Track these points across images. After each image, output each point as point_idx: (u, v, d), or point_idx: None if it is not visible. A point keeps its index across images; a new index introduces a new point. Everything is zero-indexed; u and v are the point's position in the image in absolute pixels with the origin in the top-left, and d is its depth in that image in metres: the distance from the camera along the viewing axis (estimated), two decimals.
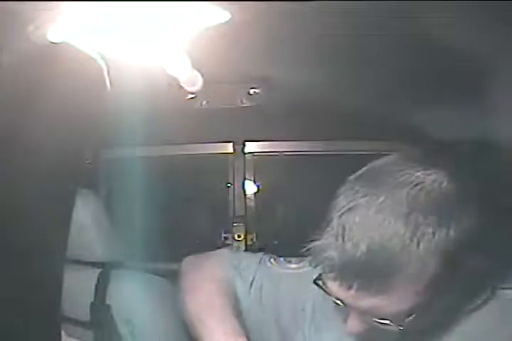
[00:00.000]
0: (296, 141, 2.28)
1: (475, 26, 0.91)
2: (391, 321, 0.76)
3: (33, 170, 0.93)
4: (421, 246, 0.70)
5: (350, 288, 0.74)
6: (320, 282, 0.82)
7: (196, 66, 0.90)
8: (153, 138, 1.98)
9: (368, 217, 0.73)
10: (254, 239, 2.35)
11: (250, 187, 2.37)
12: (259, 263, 1.05)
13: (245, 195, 2.35)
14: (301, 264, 1.03)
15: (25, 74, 0.82)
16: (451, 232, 0.72)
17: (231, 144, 2.29)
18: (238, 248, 2.28)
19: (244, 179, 2.33)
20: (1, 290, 0.89)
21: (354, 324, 0.81)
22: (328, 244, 0.75)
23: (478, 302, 0.82)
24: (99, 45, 0.84)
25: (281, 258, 1.07)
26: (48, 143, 0.96)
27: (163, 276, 1.83)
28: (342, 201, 0.76)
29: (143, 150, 2.17)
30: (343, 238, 0.73)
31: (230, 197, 2.36)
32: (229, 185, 2.36)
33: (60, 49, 0.80)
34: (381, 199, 0.73)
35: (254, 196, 2.39)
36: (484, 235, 0.76)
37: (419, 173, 0.75)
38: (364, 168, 0.81)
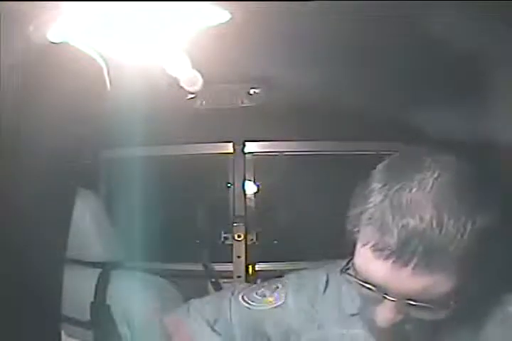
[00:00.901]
0: (296, 141, 2.28)
1: (475, 26, 0.91)
2: (437, 304, 0.77)
3: (33, 169, 0.93)
4: (475, 222, 0.74)
5: (406, 265, 0.74)
6: (350, 271, 0.83)
7: (196, 66, 0.90)
8: (153, 138, 1.98)
9: (426, 192, 0.75)
10: (254, 239, 2.35)
11: (250, 187, 2.37)
12: (230, 304, 1.02)
13: (245, 195, 2.35)
14: (277, 294, 1.01)
15: (25, 74, 0.82)
16: (496, 215, 0.76)
17: (231, 144, 2.29)
18: (238, 247, 2.28)
19: (244, 179, 2.33)
20: (1, 290, 0.89)
21: (387, 315, 0.80)
22: (382, 222, 0.76)
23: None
24: (99, 45, 0.84)
25: (254, 294, 1.03)
26: (48, 143, 0.96)
27: (163, 276, 1.84)
28: (385, 182, 0.78)
29: (143, 150, 2.17)
30: (403, 214, 0.74)
31: (230, 197, 2.36)
32: (229, 185, 2.36)
33: (60, 49, 0.80)
34: (436, 175, 0.76)
35: (254, 196, 2.38)
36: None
37: (454, 159, 0.80)
38: (390, 158, 0.84)
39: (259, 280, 2.34)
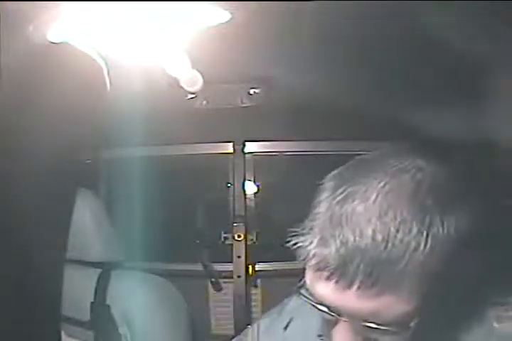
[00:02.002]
0: (296, 141, 2.28)
1: (475, 26, 0.91)
2: (394, 326, 0.68)
3: (34, 170, 0.93)
4: (430, 236, 0.65)
5: (350, 286, 0.66)
6: (302, 290, 0.75)
7: (196, 66, 0.90)
8: (153, 138, 1.98)
9: (370, 203, 0.66)
10: (254, 239, 2.35)
11: (250, 187, 2.37)
12: None
13: (245, 195, 2.35)
14: None
15: (25, 74, 0.82)
16: (459, 222, 0.67)
17: (231, 144, 2.29)
18: (238, 247, 2.28)
19: (244, 179, 2.33)
20: (1, 290, 0.89)
21: (345, 337, 0.71)
22: (321, 237, 0.68)
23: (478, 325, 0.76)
24: (99, 45, 0.84)
25: None
26: (49, 143, 0.96)
27: (163, 276, 1.84)
28: (332, 191, 0.70)
29: (143, 150, 2.17)
30: (342, 229, 0.66)
31: (230, 197, 2.36)
32: (229, 185, 2.36)
33: (60, 49, 0.80)
34: (382, 184, 0.67)
35: (254, 196, 2.38)
36: (486, 233, 0.72)
37: (419, 161, 0.70)
38: (348, 163, 0.75)
39: (258, 280, 2.35)
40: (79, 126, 1.01)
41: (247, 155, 2.31)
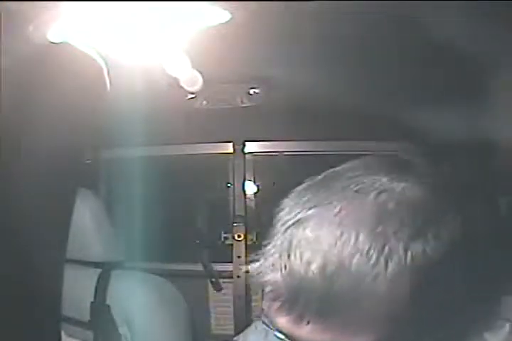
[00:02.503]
0: (296, 141, 2.28)
1: (475, 26, 0.91)
2: None
3: (34, 170, 0.93)
4: (389, 265, 0.57)
5: (301, 320, 0.60)
6: (263, 316, 0.69)
7: (196, 66, 0.90)
8: (153, 138, 1.99)
9: (322, 230, 0.59)
10: (254, 239, 2.35)
11: (250, 187, 2.37)
12: None
13: (245, 195, 2.35)
14: None
15: (26, 74, 0.82)
16: (428, 249, 0.58)
17: (231, 144, 2.29)
18: (238, 247, 2.28)
19: (244, 179, 2.33)
20: (1, 290, 0.89)
21: None
22: (271, 264, 0.63)
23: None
24: (99, 45, 0.84)
25: None
26: (49, 143, 0.96)
27: (163, 276, 1.84)
28: (288, 213, 0.64)
29: (143, 150, 2.17)
30: (289, 256, 0.60)
31: (230, 197, 2.36)
32: (229, 185, 2.36)
33: (60, 49, 0.80)
34: (338, 208, 0.60)
35: (254, 196, 2.39)
36: (467, 253, 0.62)
37: (385, 179, 0.61)
38: (314, 179, 0.70)
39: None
40: (79, 126, 1.01)
41: (247, 155, 2.31)
